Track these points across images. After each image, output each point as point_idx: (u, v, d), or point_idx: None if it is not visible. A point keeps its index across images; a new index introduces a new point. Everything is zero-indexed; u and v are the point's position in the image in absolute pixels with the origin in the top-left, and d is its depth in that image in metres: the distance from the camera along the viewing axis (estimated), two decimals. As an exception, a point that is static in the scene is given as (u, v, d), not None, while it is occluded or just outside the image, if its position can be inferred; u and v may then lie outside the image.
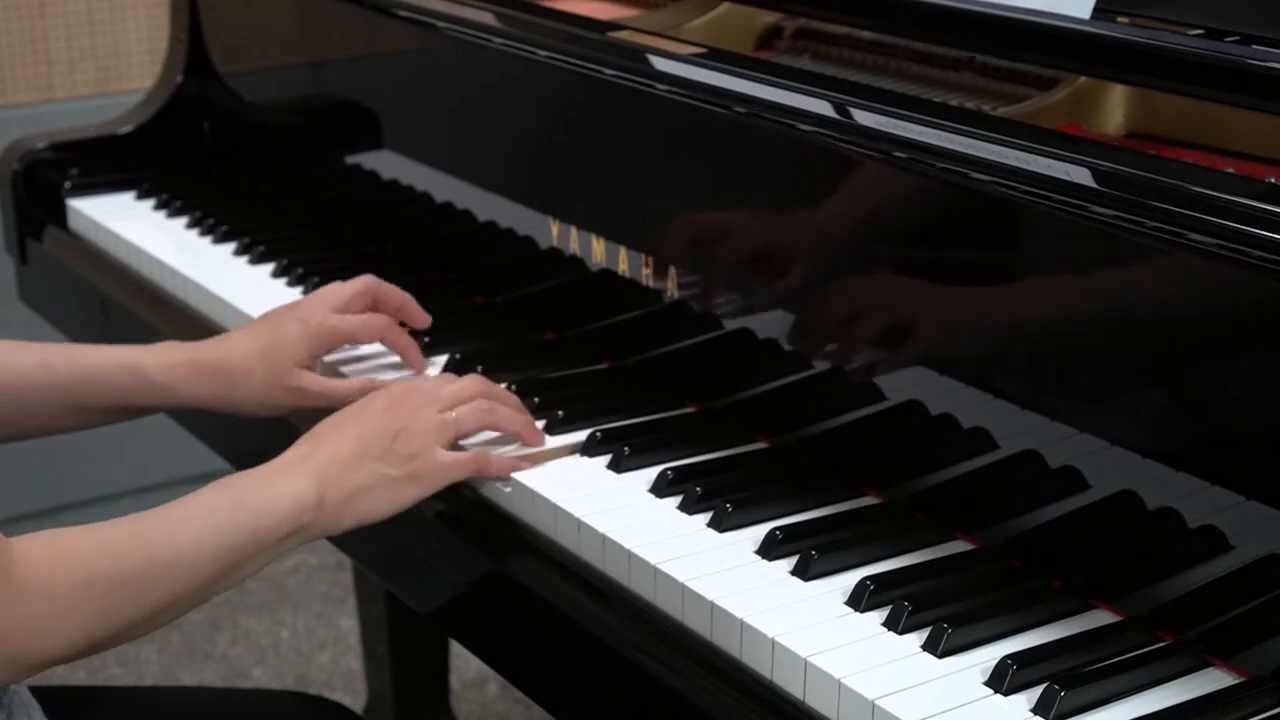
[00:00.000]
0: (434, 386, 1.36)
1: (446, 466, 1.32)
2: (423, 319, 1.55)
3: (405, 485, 1.30)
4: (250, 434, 1.74)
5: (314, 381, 1.45)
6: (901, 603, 1.13)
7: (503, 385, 1.43)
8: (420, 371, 1.52)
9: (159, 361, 1.43)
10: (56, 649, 1.13)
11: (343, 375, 1.52)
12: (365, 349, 1.56)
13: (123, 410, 1.45)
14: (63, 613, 1.12)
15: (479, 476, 1.34)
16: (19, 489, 2.81)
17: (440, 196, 1.77)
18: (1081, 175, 1.16)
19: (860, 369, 1.33)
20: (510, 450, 1.37)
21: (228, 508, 1.22)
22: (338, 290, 1.50)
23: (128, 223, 1.96)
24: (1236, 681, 1.08)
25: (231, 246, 1.87)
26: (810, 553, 1.19)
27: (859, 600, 1.15)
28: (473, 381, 1.38)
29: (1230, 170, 1.20)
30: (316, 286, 1.73)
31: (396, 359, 1.53)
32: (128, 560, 1.16)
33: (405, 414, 1.31)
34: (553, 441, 1.38)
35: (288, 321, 1.46)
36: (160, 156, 2.13)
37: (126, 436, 3.03)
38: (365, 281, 1.52)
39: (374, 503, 1.28)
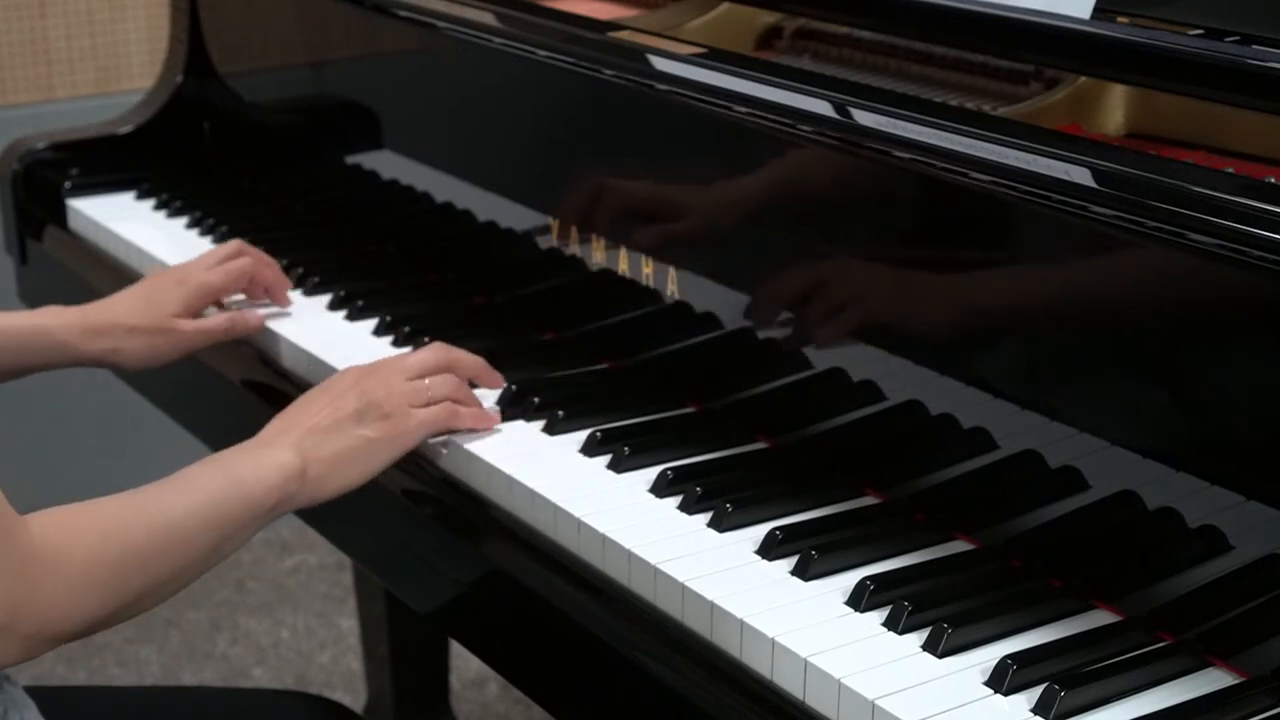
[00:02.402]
0: (399, 358, 1.43)
1: (420, 423, 1.37)
2: (285, 282, 1.70)
3: (382, 446, 1.35)
4: (250, 435, 1.74)
5: (187, 324, 1.61)
6: (901, 603, 1.13)
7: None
8: (285, 306, 1.69)
9: (60, 323, 1.57)
10: (75, 621, 1.16)
11: None
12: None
13: (21, 371, 1.58)
14: (79, 585, 1.15)
15: (450, 429, 1.40)
16: (18, 489, 2.80)
17: (440, 196, 1.77)
18: (1081, 175, 1.16)
19: (859, 367, 1.33)
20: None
21: (219, 481, 1.27)
22: (211, 253, 1.67)
23: (128, 223, 1.96)
24: (1236, 681, 1.08)
25: (231, 246, 1.87)
26: (810, 553, 1.19)
27: (859, 600, 1.15)
28: (435, 350, 1.44)
29: (1230, 170, 1.20)
30: (316, 286, 1.74)
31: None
32: (133, 533, 1.19)
33: (375, 381, 1.38)
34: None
35: (166, 283, 1.63)
36: (160, 156, 2.13)
37: (127, 436, 3.03)
38: (235, 244, 1.69)
39: (355, 466, 1.34)
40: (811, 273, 1.36)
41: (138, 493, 1.23)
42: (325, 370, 1.56)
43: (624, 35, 1.56)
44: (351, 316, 1.67)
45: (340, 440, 1.34)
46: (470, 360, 1.46)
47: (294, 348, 1.63)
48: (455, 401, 1.40)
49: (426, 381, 1.39)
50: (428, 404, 1.38)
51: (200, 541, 1.24)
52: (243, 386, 1.67)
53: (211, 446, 1.83)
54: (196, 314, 1.63)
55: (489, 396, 1.47)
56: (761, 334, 1.40)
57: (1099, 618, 1.14)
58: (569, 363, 1.55)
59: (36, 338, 1.56)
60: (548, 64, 1.55)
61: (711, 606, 1.16)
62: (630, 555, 1.22)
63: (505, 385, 1.47)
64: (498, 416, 1.43)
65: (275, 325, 1.66)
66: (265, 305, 1.70)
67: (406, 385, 1.38)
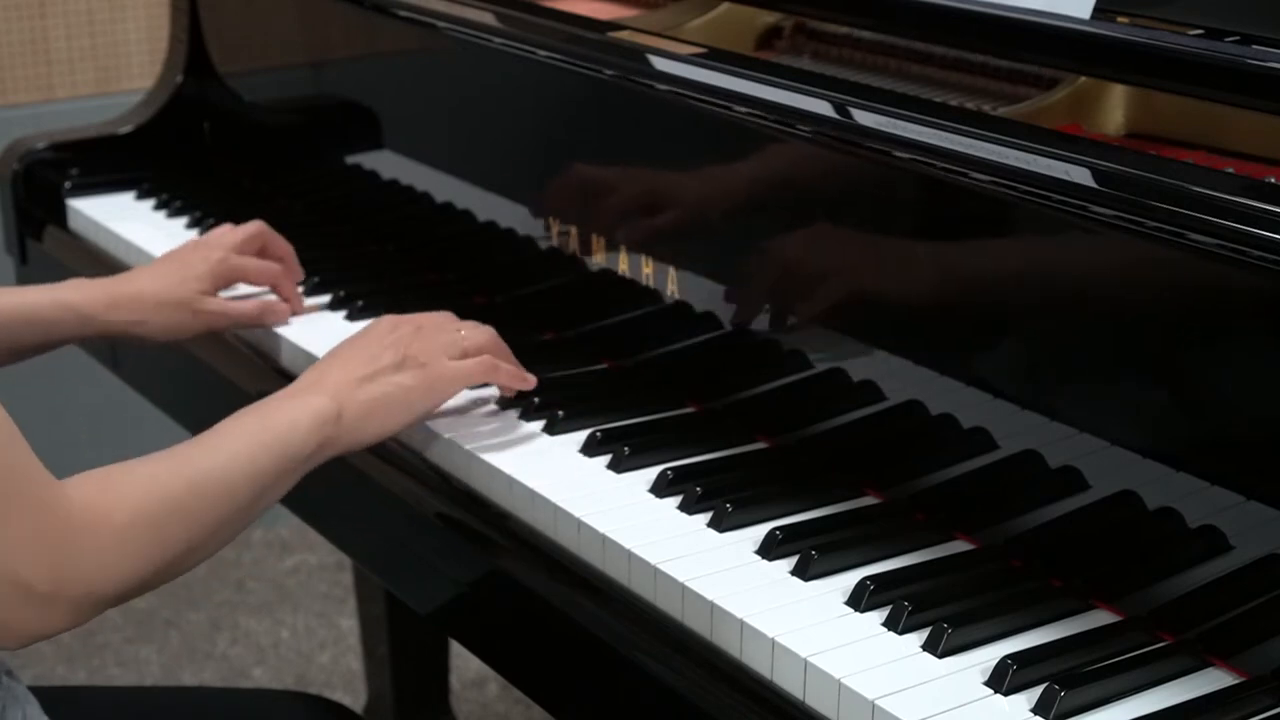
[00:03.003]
0: (432, 312, 1.43)
1: (457, 372, 1.38)
2: (300, 271, 1.70)
3: (419, 394, 1.36)
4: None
5: (216, 303, 1.61)
6: (901, 603, 1.13)
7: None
8: (300, 312, 1.68)
9: (83, 296, 1.57)
10: (120, 583, 1.16)
11: None
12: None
13: (45, 346, 1.58)
14: (122, 547, 1.15)
15: (488, 383, 1.41)
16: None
17: (440, 196, 1.77)
18: (1081, 175, 1.16)
19: (859, 368, 1.33)
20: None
21: (254, 431, 1.27)
22: (232, 232, 1.66)
23: (128, 223, 1.96)
24: (1236, 681, 1.08)
25: (231, 246, 1.86)
26: (810, 553, 1.19)
27: (859, 600, 1.15)
28: (476, 327, 1.43)
29: (1230, 170, 1.20)
30: (317, 286, 1.73)
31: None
32: (174, 488, 1.19)
33: (412, 330, 1.38)
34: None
35: (193, 259, 1.62)
36: (160, 156, 2.13)
37: (126, 436, 3.03)
38: (257, 226, 1.67)
39: (391, 413, 1.35)
40: (811, 272, 1.36)
41: (174, 450, 1.23)
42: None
43: (624, 35, 1.56)
44: (351, 316, 1.67)
45: (377, 387, 1.34)
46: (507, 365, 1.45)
47: (294, 348, 1.63)
48: (492, 349, 1.41)
49: (463, 331, 1.40)
50: (464, 355, 1.39)
51: (242, 493, 1.24)
52: (243, 386, 1.66)
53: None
54: (220, 289, 1.64)
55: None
56: (761, 334, 1.40)
57: (1099, 618, 1.14)
58: (569, 363, 1.55)
59: (58, 310, 1.56)
60: (548, 64, 1.55)
61: (711, 606, 1.16)
62: (630, 555, 1.22)
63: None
64: (534, 379, 1.43)
65: (274, 325, 1.66)
66: (298, 298, 1.70)
67: (443, 335, 1.39)
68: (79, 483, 1.15)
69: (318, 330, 1.65)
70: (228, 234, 1.65)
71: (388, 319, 1.41)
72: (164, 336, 1.60)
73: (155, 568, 1.18)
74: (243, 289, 1.68)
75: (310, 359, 1.59)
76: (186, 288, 1.60)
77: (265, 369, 1.66)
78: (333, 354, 1.38)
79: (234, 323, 1.63)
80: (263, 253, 1.66)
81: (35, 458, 1.12)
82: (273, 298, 1.67)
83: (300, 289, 1.73)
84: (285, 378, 1.62)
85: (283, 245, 1.68)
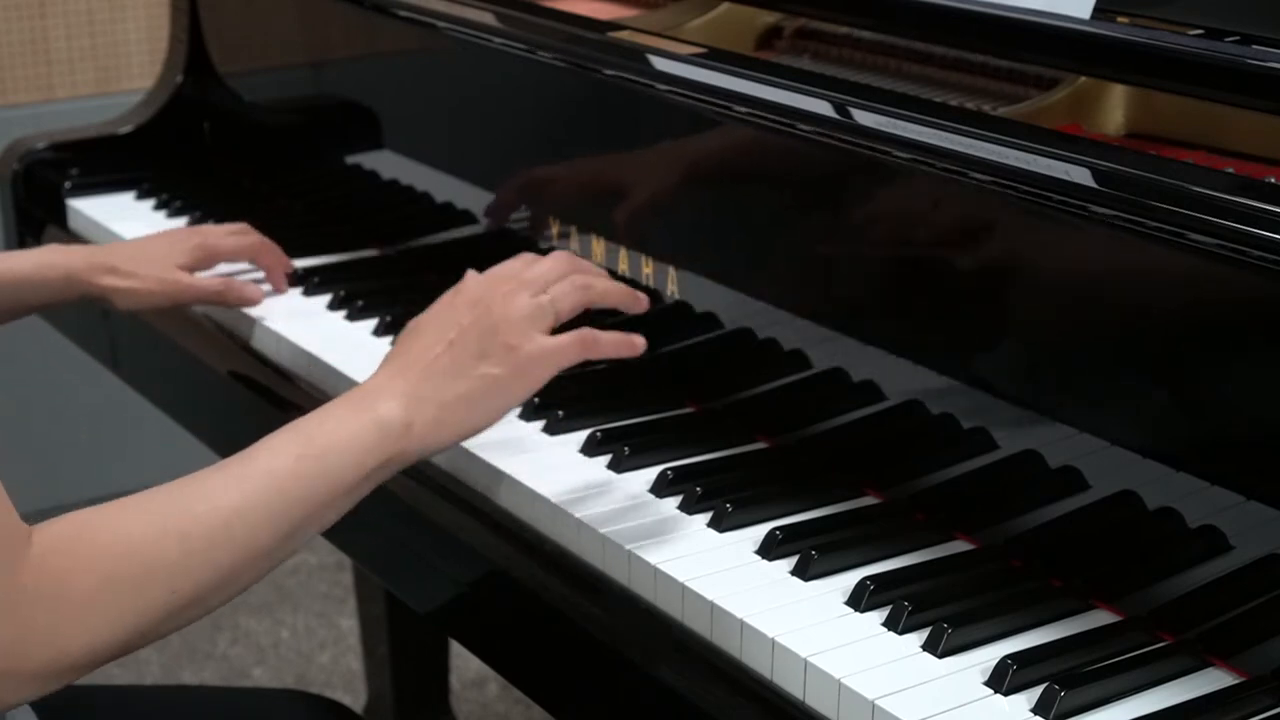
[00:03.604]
0: (517, 269, 1.27)
1: (552, 352, 1.23)
2: (289, 265, 1.74)
3: (514, 383, 1.22)
4: (250, 435, 1.74)
5: (184, 275, 1.64)
6: (901, 603, 1.13)
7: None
8: (282, 292, 1.71)
9: (66, 257, 1.61)
10: (91, 650, 1.04)
11: None
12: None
13: (29, 309, 1.62)
14: (86, 614, 1.03)
15: (591, 355, 1.26)
16: (18, 489, 2.80)
17: (440, 196, 1.77)
18: (1081, 175, 1.16)
19: (859, 367, 1.33)
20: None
21: (292, 455, 1.13)
22: (219, 227, 1.73)
23: (128, 223, 1.96)
24: (1236, 681, 1.08)
25: (231, 246, 1.86)
26: (810, 553, 1.19)
27: (859, 600, 1.15)
28: (559, 259, 1.29)
29: (1230, 170, 1.20)
30: (317, 286, 1.74)
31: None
32: (158, 546, 1.06)
33: (496, 305, 1.23)
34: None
35: (176, 237, 1.69)
36: (160, 156, 2.13)
37: (126, 436, 3.03)
38: (243, 226, 1.73)
39: (477, 409, 1.21)
40: (811, 272, 1.36)
41: (181, 485, 1.10)
42: (325, 370, 1.57)
43: (624, 35, 1.56)
44: (351, 316, 1.67)
45: (462, 383, 1.19)
46: (599, 273, 1.30)
47: (294, 348, 1.63)
48: (588, 303, 1.27)
49: (549, 295, 1.24)
50: (554, 322, 1.24)
51: (261, 535, 1.10)
52: (243, 386, 1.67)
53: (211, 446, 1.83)
54: (200, 271, 1.67)
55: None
56: (761, 334, 1.40)
57: (1099, 618, 1.14)
58: (569, 363, 1.55)
59: (42, 271, 1.58)
60: (548, 64, 1.55)
61: (711, 606, 1.16)
62: (630, 555, 1.22)
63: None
64: (641, 341, 1.26)
65: (274, 325, 1.66)
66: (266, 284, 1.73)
67: (530, 304, 1.23)
68: (49, 534, 1.04)
69: (318, 330, 1.65)
70: (212, 228, 1.73)
71: (466, 289, 1.25)
72: (132, 304, 1.63)
73: (131, 633, 1.06)
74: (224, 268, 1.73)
75: (310, 359, 1.59)
76: (163, 260, 1.63)
77: (265, 369, 1.66)
78: (413, 338, 1.22)
79: (199, 296, 1.65)
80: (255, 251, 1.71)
81: (5, 507, 1.01)
82: (248, 277, 1.71)
83: (298, 288, 1.73)
84: (285, 378, 1.63)
85: (267, 240, 1.73)
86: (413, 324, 1.25)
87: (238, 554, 1.10)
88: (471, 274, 1.29)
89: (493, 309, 1.23)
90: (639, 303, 1.31)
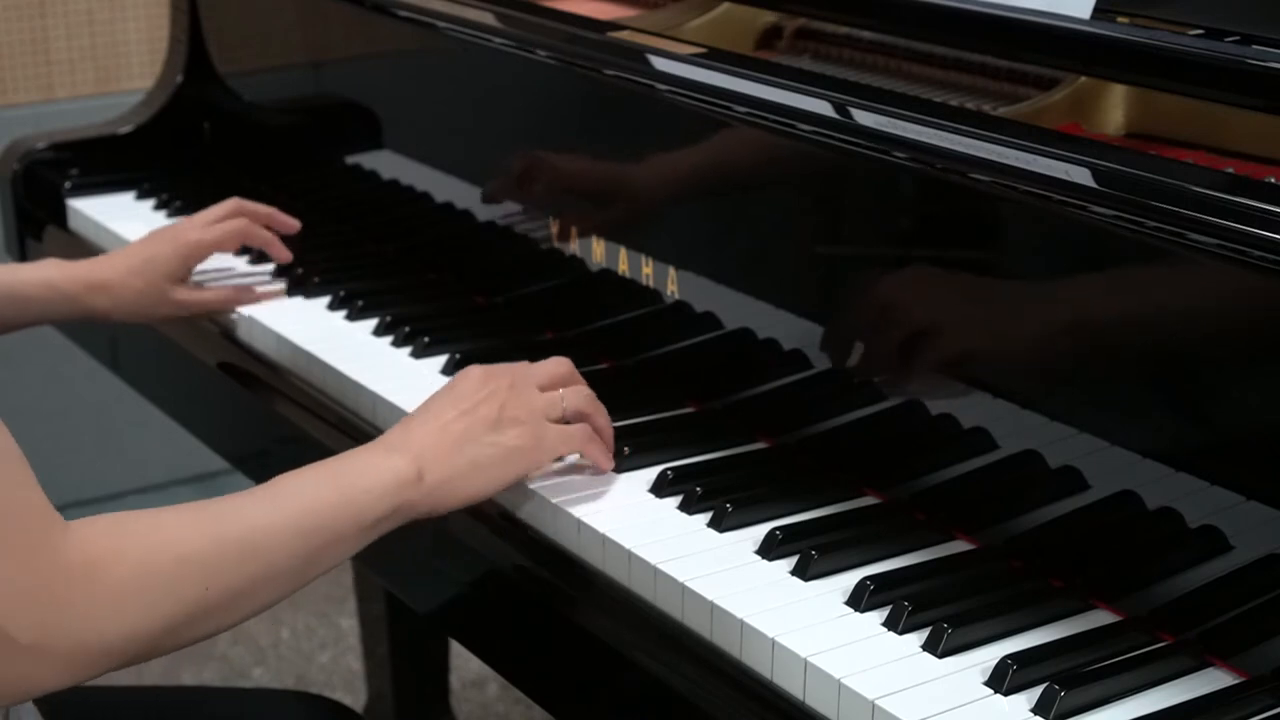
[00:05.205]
0: (525, 366, 1.34)
1: (557, 437, 1.30)
2: (290, 224, 1.74)
3: (517, 457, 1.27)
4: (250, 435, 1.74)
5: (185, 293, 1.67)
6: (901, 603, 1.13)
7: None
8: (285, 260, 1.73)
9: (65, 277, 1.63)
10: (121, 639, 1.06)
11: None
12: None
13: (25, 323, 1.64)
14: (121, 600, 1.06)
15: (581, 452, 1.32)
16: (19, 489, 2.80)
17: (440, 196, 1.77)
18: (1081, 175, 1.16)
19: (862, 369, 1.33)
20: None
21: (318, 486, 1.18)
22: (206, 212, 1.71)
23: (128, 223, 1.96)
24: (1236, 681, 1.08)
25: (231, 246, 1.87)
26: (810, 553, 1.19)
27: (859, 600, 1.15)
28: (562, 361, 1.36)
29: (1230, 170, 1.20)
30: (317, 286, 1.74)
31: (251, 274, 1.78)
32: (197, 543, 1.10)
33: (508, 388, 1.29)
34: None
35: (162, 242, 1.67)
36: (160, 156, 2.13)
37: (126, 436, 3.03)
38: (233, 202, 1.72)
39: (484, 475, 1.26)
40: (810, 273, 1.36)
41: (213, 502, 1.14)
42: (324, 370, 1.57)
43: (624, 35, 1.56)
44: (351, 316, 1.67)
45: (473, 448, 1.25)
46: (606, 425, 1.35)
47: (294, 348, 1.63)
48: (590, 424, 1.33)
49: (560, 393, 1.31)
50: (562, 416, 1.31)
51: (282, 556, 1.14)
52: (242, 386, 1.67)
53: (211, 447, 1.83)
54: (191, 270, 1.69)
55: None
56: (761, 334, 1.40)
57: (1099, 618, 1.14)
58: (569, 363, 1.55)
59: (45, 290, 1.61)
60: (548, 64, 1.55)
61: (711, 606, 1.16)
62: (630, 555, 1.22)
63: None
64: (612, 464, 1.33)
65: (275, 325, 1.66)
66: (266, 284, 1.73)
67: (541, 396, 1.30)
68: (86, 525, 1.07)
69: (318, 330, 1.65)
70: (200, 214, 1.71)
71: (477, 370, 1.31)
72: (132, 319, 1.67)
73: (164, 626, 1.08)
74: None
75: (310, 359, 1.59)
76: (154, 270, 1.65)
77: (265, 369, 1.66)
78: (423, 408, 1.28)
79: (205, 310, 1.69)
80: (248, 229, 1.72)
81: (40, 494, 1.04)
82: (243, 282, 1.73)
83: (288, 285, 1.73)
84: (285, 379, 1.63)
85: (262, 209, 1.73)
86: (427, 400, 1.30)
87: (263, 568, 1.13)
88: (473, 367, 1.33)
89: (501, 392, 1.29)
90: (608, 461, 1.34)
